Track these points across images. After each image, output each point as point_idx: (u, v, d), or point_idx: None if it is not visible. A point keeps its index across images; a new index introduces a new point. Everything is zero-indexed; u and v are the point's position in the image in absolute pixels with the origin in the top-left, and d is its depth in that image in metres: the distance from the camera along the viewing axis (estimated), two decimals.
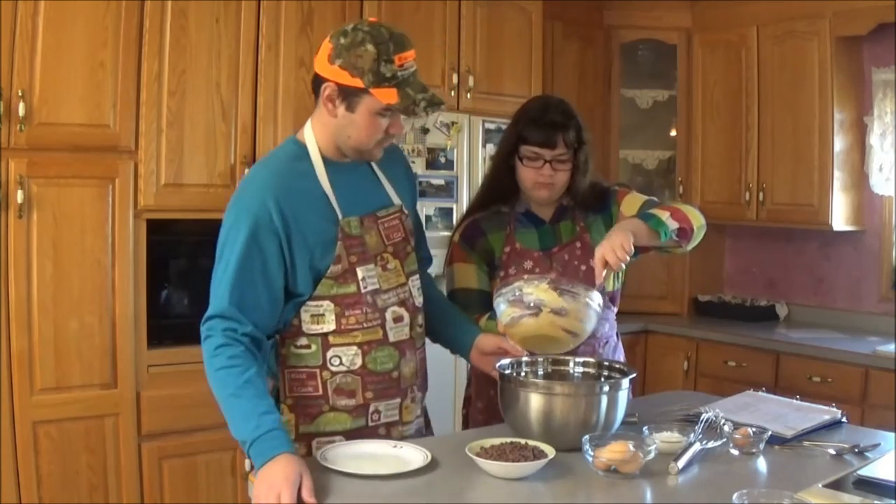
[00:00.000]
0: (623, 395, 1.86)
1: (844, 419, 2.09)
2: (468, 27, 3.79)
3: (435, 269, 3.56)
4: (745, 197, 4.28)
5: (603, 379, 2.00)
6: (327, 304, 1.87)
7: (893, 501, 1.54)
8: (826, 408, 2.12)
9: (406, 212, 2.02)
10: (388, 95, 1.79)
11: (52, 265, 2.80)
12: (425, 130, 3.56)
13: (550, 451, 1.72)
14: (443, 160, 3.62)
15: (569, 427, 1.80)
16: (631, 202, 2.25)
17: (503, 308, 1.99)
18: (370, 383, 1.90)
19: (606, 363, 2.07)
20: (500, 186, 2.28)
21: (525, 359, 2.02)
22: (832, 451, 1.85)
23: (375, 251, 1.91)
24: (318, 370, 1.89)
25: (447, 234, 3.60)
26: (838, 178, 4.00)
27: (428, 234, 3.52)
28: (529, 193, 2.25)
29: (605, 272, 1.94)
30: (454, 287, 2.27)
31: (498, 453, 1.70)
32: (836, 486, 1.63)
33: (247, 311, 1.79)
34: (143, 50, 2.95)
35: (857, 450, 1.84)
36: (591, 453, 1.69)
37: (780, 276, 4.54)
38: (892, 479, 1.62)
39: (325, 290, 1.86)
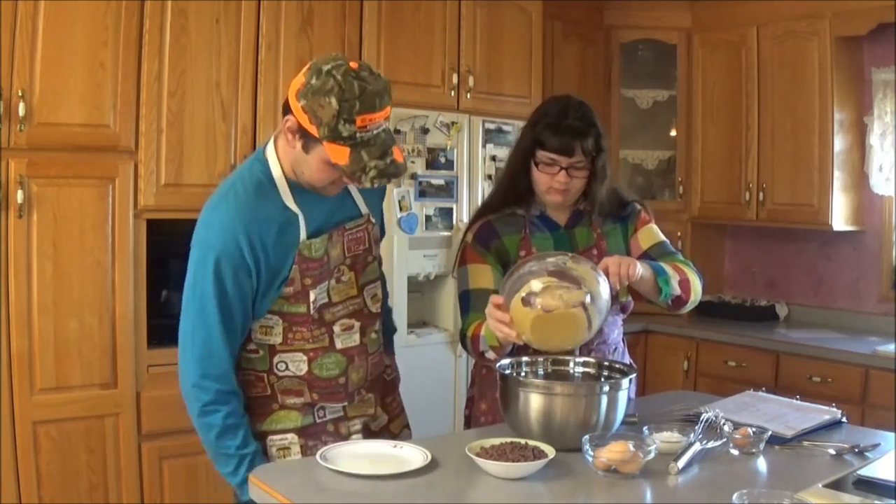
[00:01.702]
0: (623, 395, 1.86)
1: (844, 419, 2.09)
2: (468, 27, 3.79)
3: (437, 269, 3.60)
4: (745, 197, 4.28)
5: (603, 379, 2.00)
6: (276, 319, 1.89)
7: (893, 501, 1.54)
8: (826, 408, 2.12)
9: (373, 221, 2.01)
10: (340, 155, 1.72)
11: (52, 265, 2.80)
12: (425, 130, 3.56)
13: (550, 451, 1.72)
14: (443, 160, 3.62)
15: (569, 427, 1.80)
16: (648, 235, 2.24)
17: (535, 279, 1.86)
18: (316, 387, 1.94)
19: (606, 363, 2.07)
20: (516, 188, 2.21)
21: (525, 359, 2.02)
22: (832, 451, 1.85)
23: (336, 263, 1.92)
24: (265, 374, 1.93)
25: (447, 233, 3.62)
26: (838, 178, 4.00)
27: (428, 234, 3.58)
28: (543, 197, 2.20)
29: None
30: (469, 287, 2.19)
31: (498, 453, 1.71)
32: (836, 486, 1.63)
33: (221, 366, 1.83)
34: (143, 50, 2.94)
35: (857, 450, 1.84)
36: (591, 453, 1.69)
37: (780, 276, 4.54)
38: (892, 479, 1.62)
39: (276, 307, 1.88)
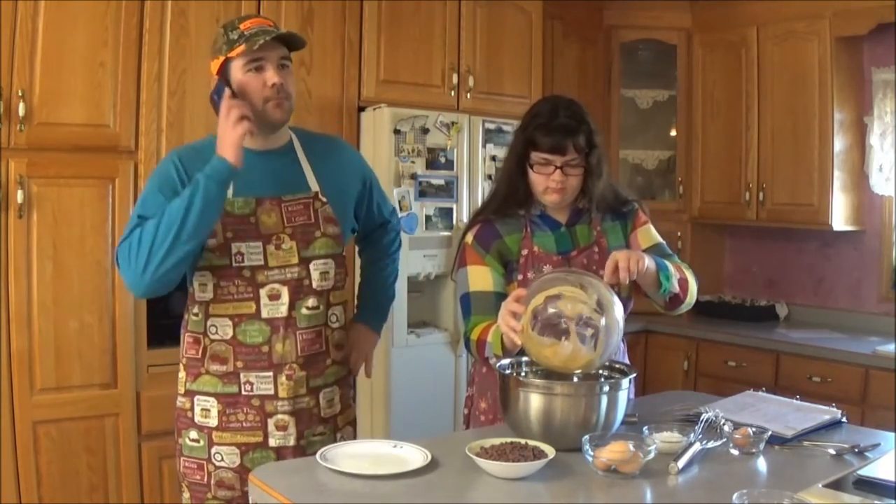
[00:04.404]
0: (623, 395, 1.86)
1: (844, 419, 2.09)
2: (468, 27, 3.79)
3: (437, 269, 3.60)
4: (745, 197, 4.28)
5: (603, 379, 2.00)
6: (208, 275, 2.04)
7: (893, 501, 1.54)
8: (826, 408, 2.12)
9: (323, 199, 2.08)
10: (239, 50, 1.96)
11: (52, 265, 2.81)
12: (425, 130, 3.56)
13: (550, 451, 1.72)
14: (443, 160, 3.61)
15: (569, 427, 1.80)
16: (646, 235, 2.26)
17: (565, 285, 1.88)
18: (240, 353, 2.04)
19: (606, 363, 2.06)
20: (514, 192, 2.21)
21: (525, 358, 2.02)
22: (832, 451, 1.85)
23: (273, 231, 2.03)
24: (201, 336, 2.07)
25: (447, 233, 3.62)
26: (838, 178, 4.01)
27: (428, 234, 3.58)
28: (541, 198, 2.19)
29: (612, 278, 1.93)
30: (469, 290, 2.19)
31: (498, 453, 1.71)
32: (836, 486, 1.63)
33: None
34: (143, 50, 2.95)
35: (857, 450, 1.84)
36: (591, 453, 1.69)
37: (780, 276, 4.54)
38: (892, 479, 1.62)
39: (205, 262, 2.02)
